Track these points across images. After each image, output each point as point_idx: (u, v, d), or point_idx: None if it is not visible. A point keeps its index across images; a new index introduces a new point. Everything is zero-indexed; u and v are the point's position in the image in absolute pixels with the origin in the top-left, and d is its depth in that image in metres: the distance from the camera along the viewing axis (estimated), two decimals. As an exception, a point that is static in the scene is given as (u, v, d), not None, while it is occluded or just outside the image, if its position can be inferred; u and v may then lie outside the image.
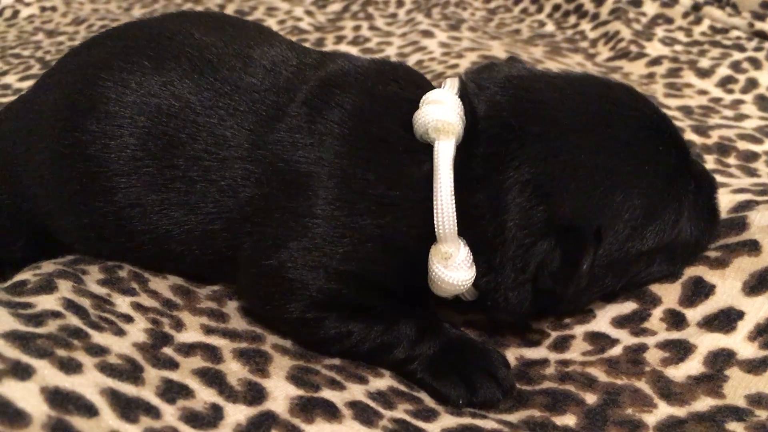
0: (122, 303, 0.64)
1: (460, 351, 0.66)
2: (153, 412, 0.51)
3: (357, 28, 1.54)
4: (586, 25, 1.49)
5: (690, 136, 1.04)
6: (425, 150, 0.63)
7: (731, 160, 1.00)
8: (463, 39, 1.37)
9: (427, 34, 1.40)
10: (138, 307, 0.65)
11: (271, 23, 1.61)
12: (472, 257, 0.63)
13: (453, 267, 0.62)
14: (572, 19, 1.53)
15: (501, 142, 0.62)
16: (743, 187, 0.87)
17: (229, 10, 1.71)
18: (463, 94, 0.66)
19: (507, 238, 0.61)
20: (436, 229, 0.62)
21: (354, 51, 1.41)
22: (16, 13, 1.79)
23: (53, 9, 1.80)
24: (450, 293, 0.64)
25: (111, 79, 0.68)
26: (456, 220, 0.61)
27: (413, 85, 0.69)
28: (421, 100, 0.65)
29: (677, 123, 1.07)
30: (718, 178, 0.93)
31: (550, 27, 1.52)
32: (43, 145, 0.70)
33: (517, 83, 0.66)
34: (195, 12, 0.75)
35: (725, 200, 0.83)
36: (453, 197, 0.61)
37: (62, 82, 0.72)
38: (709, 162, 0.99)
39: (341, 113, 0.65)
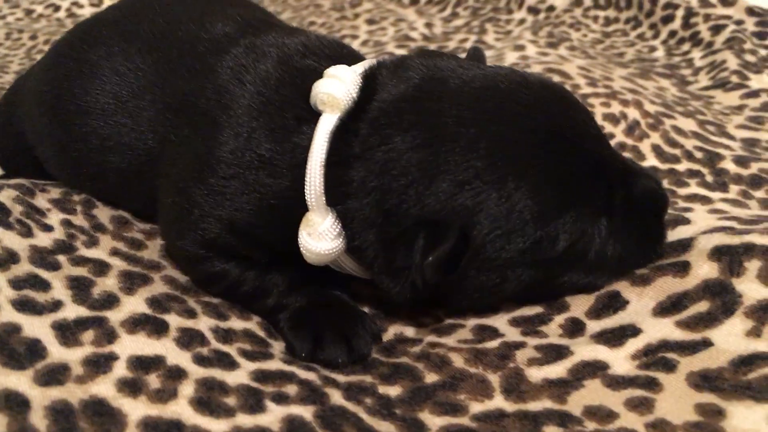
0: (54, 217, 0.74)
1: (325, 311, 0.68)
2: (-15, 289, 0.59)
3: (463, 41, 1.57)
4: (696, 53, 1.40)
5: (727, 164, 0.96)
6: (315, 120, 0.65)
7: (759, 193, 0.90)
8: (550, 54, 1.34)
9: (518, 47, 1.39)
10: (66, 222, 0.74)
11: (390, 31, 1.68)
12: (338, 229, 0.64)
13: (316, 236, 0.64)
14: (685, 47, 1.43)
15: (379, 126, 0.63)
16: (735, 216, 0.79)
17: (363, 18, 1.81)
18: (371, 75, 0.67)
19: (375, 222, 0.62)
20: (306, 197, 0.64)
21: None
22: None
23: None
24: (316, 262, 0.66)
25: (84, 42, 0.81)
26: (323, 191, 0.63)
27: (332, 61, 0.71)
28: (324, 73, 0.68)
29: (725, 151, 0.99)
30: (725, 206, 0.86)
31: (660, 53, 1.44)
32: (32, 83, 0.85)
33: (426, 72, 0.66)
34: None
35: (704, 225, 0.76)
36: (322, 169, 0.63)
37: (61, 41, 0.87)
38: (732, 192, 0.90)
39: (251, 76, 0.70)
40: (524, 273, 0.64)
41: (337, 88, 0.65)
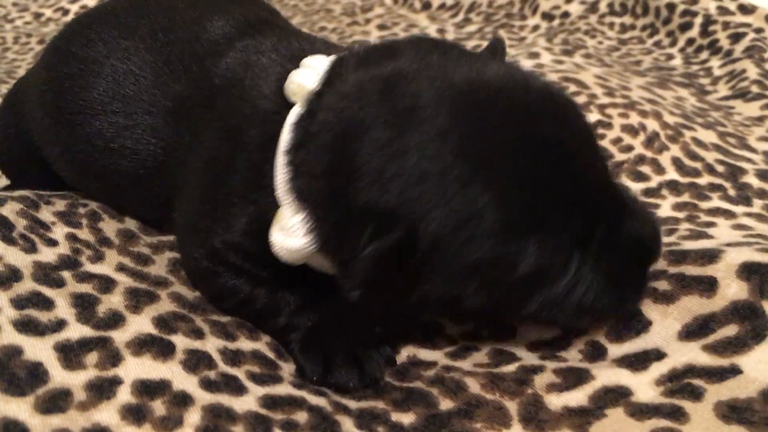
0: (59, 231, 0.72)
1: (337, 331, 0.65)
2: (-14, 309, 0.57)
3: (475, 47, 1.54)
4: (715, 62, 1.37)
5: (750, 179, 0.93)
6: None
7: (782, 209, 0.87)
8: (565, 62, 1.32)
9: (533, 55, 1.36)
10: (71, 237, 0.72)
11: (402, 37, 1.66)
12: (310, 224, 0.60)
13: (287, 231, 0.61)
14: (703, 55, 1.40)
15: (340, 106, 0.58)
16: (760, 233, 0.76)
17: (375, 23, 1.79)
18: (343, 60, 0.63)
19: (330, 209, 0.58)
20: (275, 191, 0.61)
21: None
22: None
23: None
24: (290, 260, 0.62)
25: (84, 39, 0.78)
26: (289, 181, 0.60)
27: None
28: (300, 65, 0.65)
29: (747, 165, 0.96)
30: (749, 221, 0.83)
31: (677, 61, 1.41)
32: (34, 81, 0.82)
33: (404, 54, 0.60)
34: None
35: (726, 239, 0.73)
36: (286, 158, 0.60)
37: (60, 36, 0.84)
38: (756, 207, 0.88)
39: (244, 83, 0.68)
40: (479, 292, 0.57)
41: (306, 78, 0.62)
